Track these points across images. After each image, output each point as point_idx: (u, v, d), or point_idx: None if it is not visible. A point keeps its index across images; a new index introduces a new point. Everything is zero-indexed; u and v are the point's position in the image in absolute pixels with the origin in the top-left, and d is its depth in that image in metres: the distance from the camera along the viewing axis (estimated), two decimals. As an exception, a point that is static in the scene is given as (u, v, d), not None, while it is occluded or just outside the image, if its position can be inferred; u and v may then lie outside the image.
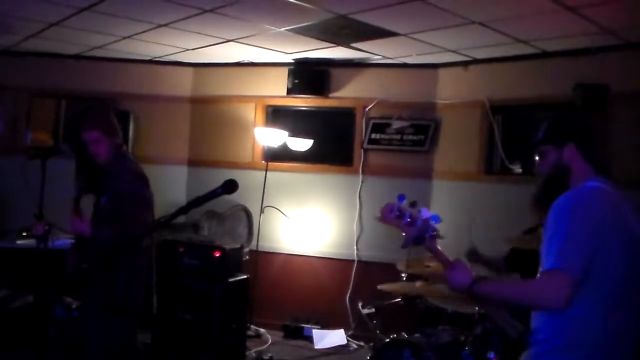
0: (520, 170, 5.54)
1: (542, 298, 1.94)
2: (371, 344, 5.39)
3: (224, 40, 5.46)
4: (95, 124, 3.50)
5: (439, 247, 2.19)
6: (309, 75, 6.20)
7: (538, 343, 2.05)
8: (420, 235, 2.12)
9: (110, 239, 3.31)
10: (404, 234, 2.14)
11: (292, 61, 6.21)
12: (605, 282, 1.95)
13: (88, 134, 3.48)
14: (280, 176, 6.35)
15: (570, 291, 1.89)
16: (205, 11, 4.46)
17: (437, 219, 2.15)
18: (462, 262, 2.16)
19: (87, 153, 3.52)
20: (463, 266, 2.14)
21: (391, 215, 2.13)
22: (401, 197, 2.15)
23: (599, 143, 2.24)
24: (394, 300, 4.85)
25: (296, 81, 6.20)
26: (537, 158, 2.25)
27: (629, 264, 1.98)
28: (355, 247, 6.14)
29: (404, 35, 4.86)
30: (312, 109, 6.47)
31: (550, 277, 1.93)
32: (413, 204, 2.14)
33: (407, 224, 2.11)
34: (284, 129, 6.14)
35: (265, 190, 6.17)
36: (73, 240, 3.75)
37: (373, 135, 6.09)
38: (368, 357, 4.27)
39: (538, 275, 2.01)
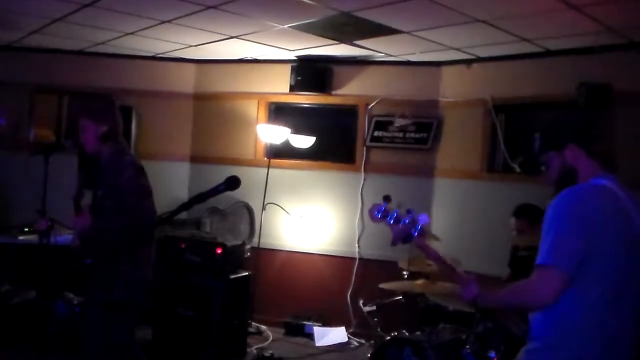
0: (522, 169, 5.53)
1: (533, 295, 1.98)
2: (372, 342, 5.40)
3: (227, 37, 5.45)
4: (82, 110, 3.39)
5: (433, 248, 2.31)
6: (311, 73, 6.19)
7: (534, 339, 2.06)
8: (408, 234, 2.22)
9: (114, 231, 3.30)
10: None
11: (295, 58, 6.21)
12: (602, 283, 1.94)
13: (79, 122, 3.40)
14: (283, 173, 6.34)
15: (559, 285, 1.92)
16: (208, 7, 4.46)
17: (424, 218, 2.24)
18: (471, 276, 2.23)
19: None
20: (471, 281, 2.21)
21: (377, 216, 2.29)
22: (386, 198, 2.30)
23: (599, 137, 2.20)
24: (395, 298, 4.86)
25: (299, 78, 6.19)
26: (543, 169, 2.23)
27: (627, 264, 1.96)
28: (356, 245, 6.13)
29: (408, 32, 4.85)
30: (315, 106, 6.46)
31: (539, 273, 1.96)
32: (387, 200, 2.29)
33: (393, 223, 2.25)
34: (287, 126, 6.13)
35: (268, 187, 6.17)
36: (75, 237, 3.74)
37: (375, 133, 6.08)
38: (369, 355, 4.26)
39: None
